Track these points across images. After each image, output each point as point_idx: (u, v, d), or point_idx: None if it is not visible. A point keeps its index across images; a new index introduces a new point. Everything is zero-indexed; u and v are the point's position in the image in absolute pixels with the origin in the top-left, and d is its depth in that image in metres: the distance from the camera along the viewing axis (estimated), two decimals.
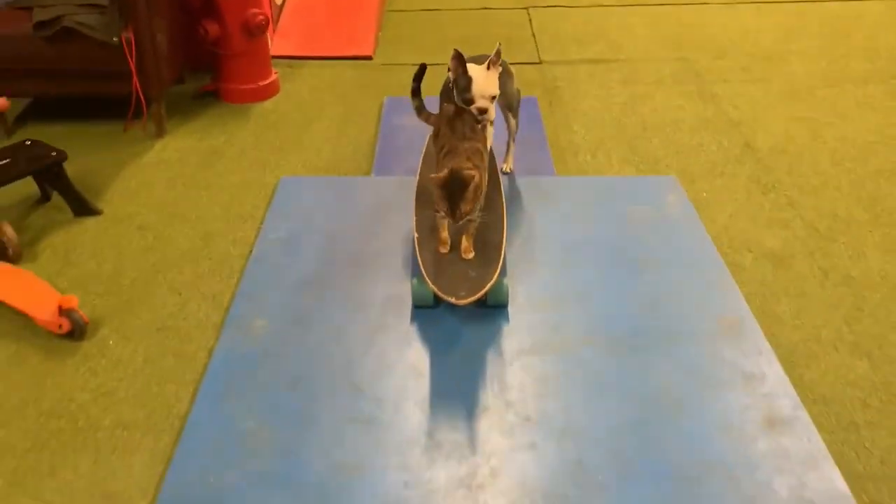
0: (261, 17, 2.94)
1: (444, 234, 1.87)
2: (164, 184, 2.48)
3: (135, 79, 2.63)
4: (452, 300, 1.72)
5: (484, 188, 1.81)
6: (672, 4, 4.08)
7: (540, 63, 3.36)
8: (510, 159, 2.39)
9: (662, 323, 1.78)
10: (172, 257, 2.11)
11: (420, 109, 2.00)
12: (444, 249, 1.87)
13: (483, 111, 1.88)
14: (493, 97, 1.89)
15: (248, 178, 2.49)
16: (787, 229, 2.19)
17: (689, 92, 3.06)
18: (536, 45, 3.55)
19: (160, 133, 2.78)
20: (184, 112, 2.96)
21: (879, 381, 1.65)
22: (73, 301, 1.79)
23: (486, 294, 1.76)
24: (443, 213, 1.75)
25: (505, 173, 2.37)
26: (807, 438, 1.47)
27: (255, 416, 1.54)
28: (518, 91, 2.27)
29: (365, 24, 3.63)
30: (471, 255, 1.85)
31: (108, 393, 1.65)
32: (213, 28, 2.91)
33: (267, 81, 3.09)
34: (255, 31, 2.95)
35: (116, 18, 2.55)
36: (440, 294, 1.74)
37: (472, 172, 1.69)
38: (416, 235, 1.92)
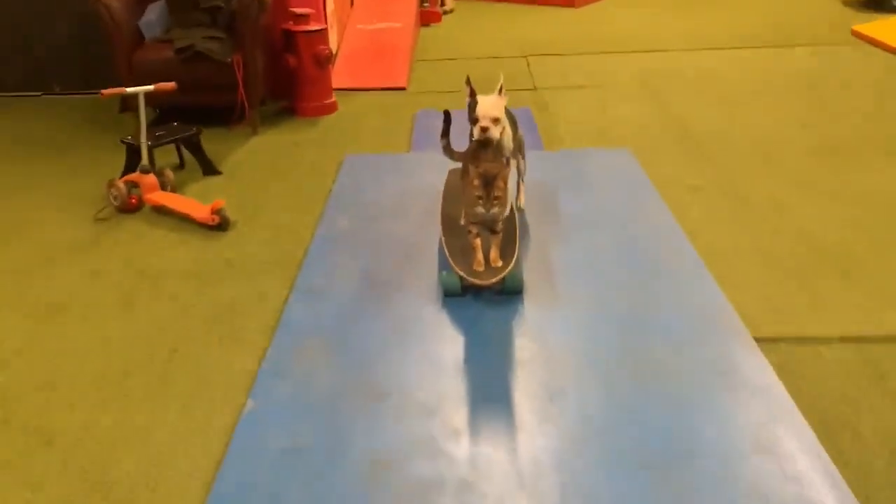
0: (327, 51, 4.00)
1: (479, 255, 2.14)
2: (261, 158, 3.48)
3: (241, 89, 3.67)
4: (478, 282, 2.08)
5: (508, 191, 2.08)
6: (641, 52, 5.16)
7: (534, 89, 4.39)
8: (521, 196, 2.69)
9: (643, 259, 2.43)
10: (273, 196, 3.06)
11: (447, 148, 2.39)
12: (480, 267, 2.13)
13: (485, 129, 2.15)
14: (496, 119, 2.16)
15: (320, 158, 3.46)
16: (702, 175, 3.12)
17: (646, 103, 4.05)
18: (532, 79, 4.60)
19: (255, 132, 3.79)
20: (270, 122, 3.97)
21: (750, 248, 2.55)
22: (222, 203, 2.75)
23: (503, 280, 2.11)
24: (478, 211, 2.04)
25: (519, 210, 2.64)
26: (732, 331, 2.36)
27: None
28: (522, 136, 2.57)
29: (400, 63, 4.71)
30: (500, 264, 2.13)
31: (247, 253, 2.58)
32: (292, 60, 3.98)
33: (329, 101, 4.13)
34: (323, 62, 4.01)
35: (230, 46, 3.62)
36: (468, 278, 2.09)
37: (500, 165, 2.07)
38: (442, 238, 2.32)
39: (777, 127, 3.66)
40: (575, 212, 2.74)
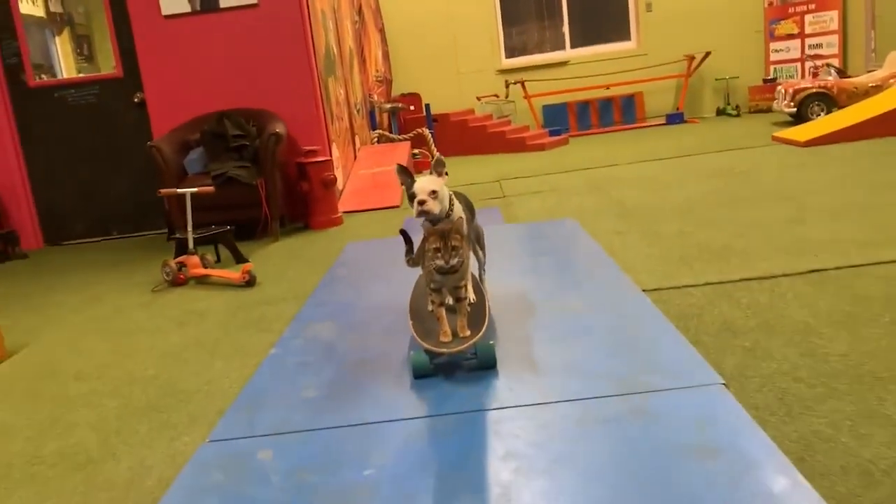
0: (332, 176, 5.01)
1: (446, 326, 2.06)
2: (281, 252, 4.35)
3: (264, 206, 4.63)
4: (445, 350, 1.98)
5: (467, 242, 2.11)
6: (593, 168, 6.17)
7: (503, 197, 5.33)
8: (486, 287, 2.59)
9: (580, 291, 3.45)
10: (290, 270, 3.90)
11: (411, 261, 2.31)
12: (447, 338, 2.04)
13: (422, 202, 2.18)
14: (433, 192, 2.19)
15: (328, 249, 4.33)
16: (627, 226, 3.93)
17: (592, 195, 4.96)
18: (502, 191, 5.57)
19: (276, 239, 4.71)
20: (288, 234, 4.90)
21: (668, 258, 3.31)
22: (251, 265, 3.58)
23: (475, 349, 2.01)
24: (437, 263, 2.01)
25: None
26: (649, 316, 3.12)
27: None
28: (480, 227, 2.57)
29: (394, 190, 5.71)
30: (468, 333, 2.05)
31: (269, 295, 3.37)
32: (305, 185, 4.97)
33: (336, 216, 5.07)
34: (329, 184, 5.00)
35: (255, 172, 4.63)
36: (433, 349, 1.99)
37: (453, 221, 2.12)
38: (410, 322, 2.22)
39: (691, 197, 4.52)
40: (533, 266, 3.53)
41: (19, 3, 5.48)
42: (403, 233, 2.36)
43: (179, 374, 2.48)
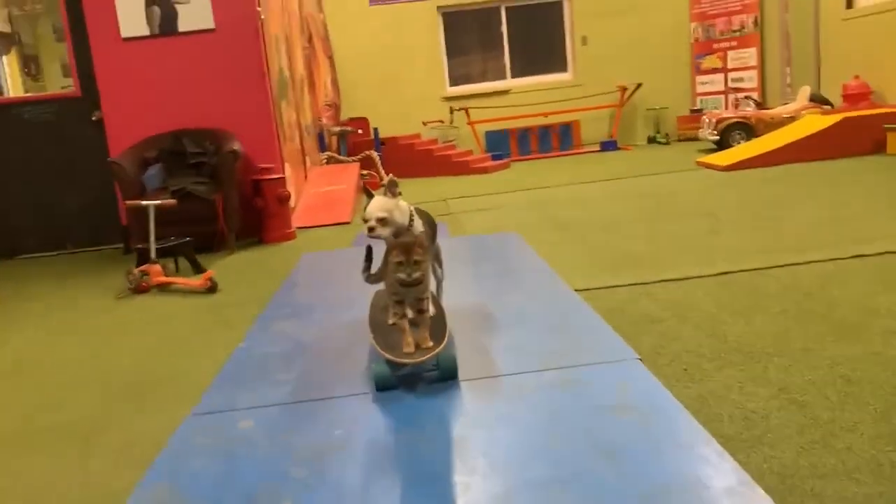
0: (286, 193, 5.26)
1: (409, 337, 2.09)
2: (238, 263, 4.56)
3: (220, 221, 4.84)
4: (409, 361, 2.01)
5: (429, 255, 2.15)
6: (532, 189, 6.56)
7: (449, 213, 5.66)
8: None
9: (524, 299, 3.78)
10: (248, 278, 4.13)
11: (370, 277, 2.41)
12: (410, 349, 2.06)
13: (371, 230, 2.24)
14: (381, 219, 2.22)
15: (284, 261, 4.56)
16: (561, 237, 4.30)
17: (531, 212, 5.33)
18: (448, 208, 5.90)
19: (231, 251, 4.91)
20: (243, 248, 5.11)
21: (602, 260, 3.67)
22: (212, 272, 3.80)
23: (436, 359, 2.05)
24: (399, 276, 2.04)
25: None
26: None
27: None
28: (439, 247, 2.60)
29: (344, 207, 5.98)
30: (430, 345, 2.07)
31: (231, 301, 3.60)
32: (260, 201, 5.20)
33: (290, 230, 5.31)
34: (283, 200, 5.24)
35: (212, 188, 4.85)
36: (397, 360, 2.02)
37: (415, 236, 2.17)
38: (371, 335, 2.23)
39: (618, 213, 4.93)
40: (477, 272, 3.85)
41: None
42: (369, 249, 2.41)
43: (154, 364, 2.70)
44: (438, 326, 2.23)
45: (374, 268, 2.40)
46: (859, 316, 2.41)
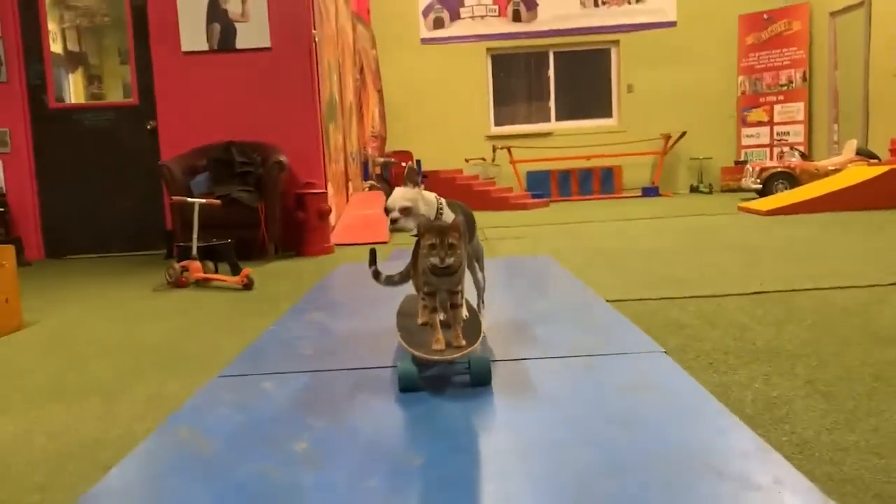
0: (327, 208, 5.36)
1: (439, 333, 1.89)
2: (276, 269, 4.65)
3: (263, 228, 4.95)
4: (437, 358, 1.81)
5: (465, 243, 1.94)
6: (570, 223, 6.57)
7: (486, 240, 5.70)
8: (483, 318, 2.34)
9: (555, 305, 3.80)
10: (283, 282, 4.20)
11: (377, 273, 2.30)
12: (440, 346, 1.87)
13: (394, 221, 2.15)
14: (405, 209, 2.13)
15: (322, 270, 4.64)
16: (596, 263, 4.30)
17: (567, 240, 5.34)
18: (485, 236, 5.94)
19: (271, 259, 5.01)
20: (283, 258, 5.21)
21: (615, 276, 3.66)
22: (249, 270, 3.88)
23: (468, 361, 1.84)
24: (432, 261, 1.85)
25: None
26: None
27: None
28: (480, 245, 2.44)
29: (383, 226, 6.06)
30: (462, 343, 1.88)
31: (267, 296, 3.67)
32: (301, 215, 5.32)
33: (328, 245, 5.40)
34: (324, 215, 5.35)
35: (257, 196, 4.97)
36: (425, 357, 1.82)
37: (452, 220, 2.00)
38: (399, 333, 2.08)
39: (658, 245, 4.91)
40: (509, 284, 3.87)
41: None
42: (372, 251, 2.35)
43: (185, 343, 2.76)
44: (473, 326, 2.08)
45: (389, 274, 2.31)
46: (895, 331, 2.36)
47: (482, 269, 2.43)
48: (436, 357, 1.84)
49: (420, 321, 2.17)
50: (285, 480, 1.39)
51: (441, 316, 1.96)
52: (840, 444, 1.49)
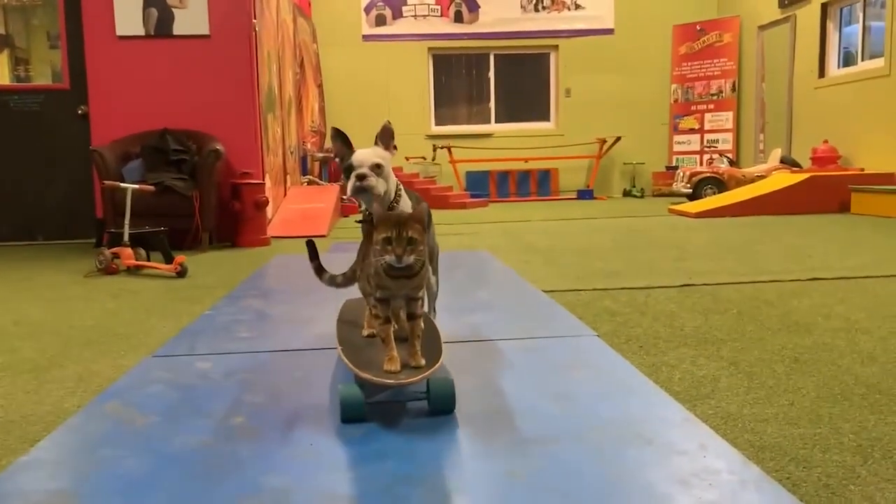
0: (264, 199, 5.30)
1: (394, 351, 1.51)
2: (209, 259, 4.57)
3: (197, 217, 4.86)
4: (391, 382, 1.45)
5: (425, 237, 1.50)
6: (508, 221, 6.67)
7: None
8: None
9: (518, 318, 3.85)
10: (216, 272, 4.14)
11: (319, 269, 1.97)
12: (394, 367, 1.49)
13: (362, 177, 1.67)
14: (377, 165, 1.68)
15: (256, 261, 4.59)
16: (533, 258, 4.38)
17: (505, 238, 5.42)
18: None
19: (205, 249, 4.92)
20: (217, 248, 5.12)
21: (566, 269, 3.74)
22: (183, 258, 3.80)
23: (427, 384, 1.50)
24: (387, 259, 1.46)
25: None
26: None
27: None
28: (437, 245, 2.09)
29: (322, 222, 6.03)
30: (423, 362, 1.52)
31: (200, 284, 3.61)
32: (237, 204, 5.24)
33: (264, 237, 5.34)
34: (261, 206, 5.28)
35: (191, 185, 4.88)
36: (376, 380, 1.45)
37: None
38: (340, 349, 1.70)
39: (591, 243, 5.04)
40: (448, 277, 3.90)
41: None
42: (310, 243, 2.01)
43: (117, 325, 2.69)
44: (432, 341, 1.67)
45: (332, 272, 1.96)
46: (813, 318, 2.49)
47: (436, 272, 2.05)
48: (389, 381, 1.46)
49: (365, 333, 1.80)
50: (224, 451, 1.38)
51: (393, 327, 1.57)
52: (761, 416, 1.57)
